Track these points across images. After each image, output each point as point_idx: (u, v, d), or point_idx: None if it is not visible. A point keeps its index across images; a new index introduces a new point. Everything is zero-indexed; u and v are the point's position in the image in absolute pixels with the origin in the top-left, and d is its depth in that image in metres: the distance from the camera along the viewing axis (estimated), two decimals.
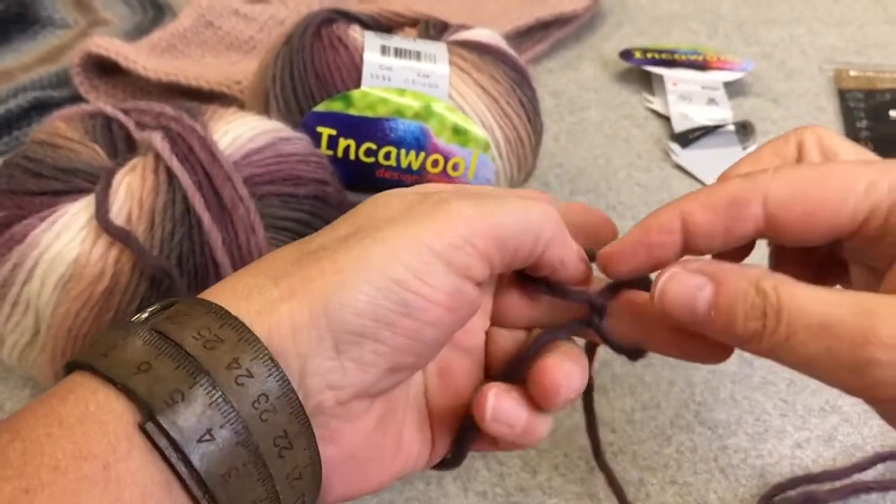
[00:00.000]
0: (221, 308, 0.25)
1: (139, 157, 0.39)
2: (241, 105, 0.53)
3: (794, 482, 0.40)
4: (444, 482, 0.40)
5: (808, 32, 0.72)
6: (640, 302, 0.31)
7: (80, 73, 0.60)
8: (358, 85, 0.46)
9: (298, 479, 0.25)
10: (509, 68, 0.49)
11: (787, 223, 0.28)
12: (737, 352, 0.30)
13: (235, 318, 0.25)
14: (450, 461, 0.32)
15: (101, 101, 0.59)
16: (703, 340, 0.30)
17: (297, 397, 0.25)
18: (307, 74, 0.47)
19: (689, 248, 0.30)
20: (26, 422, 0.23)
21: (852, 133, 0.61)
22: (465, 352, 0.32)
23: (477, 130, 0.47)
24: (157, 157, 0.38)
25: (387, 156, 0.47)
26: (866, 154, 0.31)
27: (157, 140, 0.38)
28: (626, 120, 0.63)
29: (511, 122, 0.48)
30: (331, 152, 0.47)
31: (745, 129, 0.61)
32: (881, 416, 0.28)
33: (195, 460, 0.23)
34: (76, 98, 0.60)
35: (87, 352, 0.25)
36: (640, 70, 0.66)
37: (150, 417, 0.23)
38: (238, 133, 0.40)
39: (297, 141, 0.42)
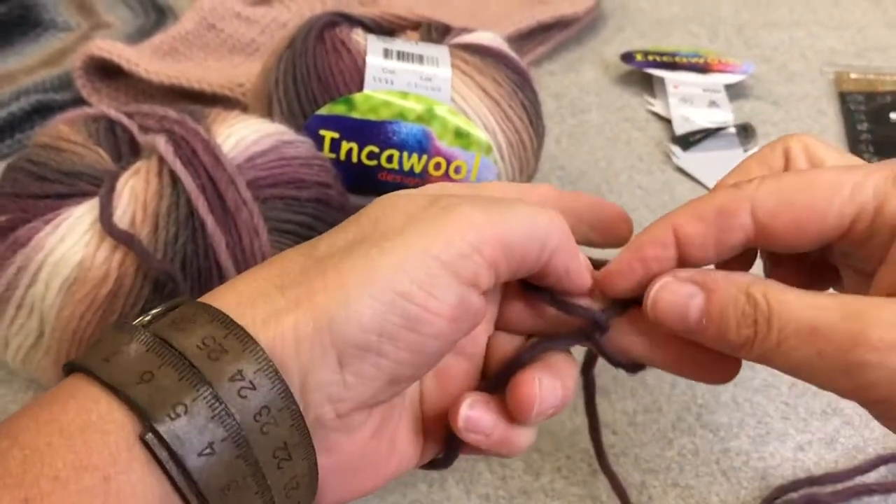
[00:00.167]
0: (226, 316, 0.25)
1: (143, 160, 0.39)
2: (243, 108, 0.53)
3: (796, 485, 0.40)
4: (446, 485, 0.40)
5: (809, 35, 0.72)
6: (645, 318, 0.31)
7: (83, 76, 0.60)
8: (360, 88, 0.46)
9: (295, 488, 0.25)
10: (511, 71, 0.50)
11: (776, 231, 0.29)
12: None
13: (240, 328, 0.24)
14: (440, 461, 0.32)
15: (103, 104, 0.59)
16: (707, 355, 0.30)
17: (299, 409, 0.25)
18: (310, 77, 0.47)
19: (685, 260, 0.30)
20: (26, 428, 0.23)
21: (853, 136, 0.61)
22: (465, 357, 0.32)
23: (479, 133, 0.47)
24: (161, 160, 0.38)
25: (389, 159, 0.47)
26: (853, 159, 0.31)
27: (161, 143, 0.38)
28: (628, 122, 0.63)
29: (513, 124, 0.48)
30: (333, 155, 0.47)
31: (746, 132, 0.61)
32: (876, 417, 0.28)
33: (195, 474, 0.23)
34: (78, 101, 0.60)
35: (88, 354, 0.25)
36: (641, 72, 0.67)
37: (151, 429, 0.23)
38: (241, 136, 0.40)
39: (300, 144, 0.42)
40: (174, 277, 0.36)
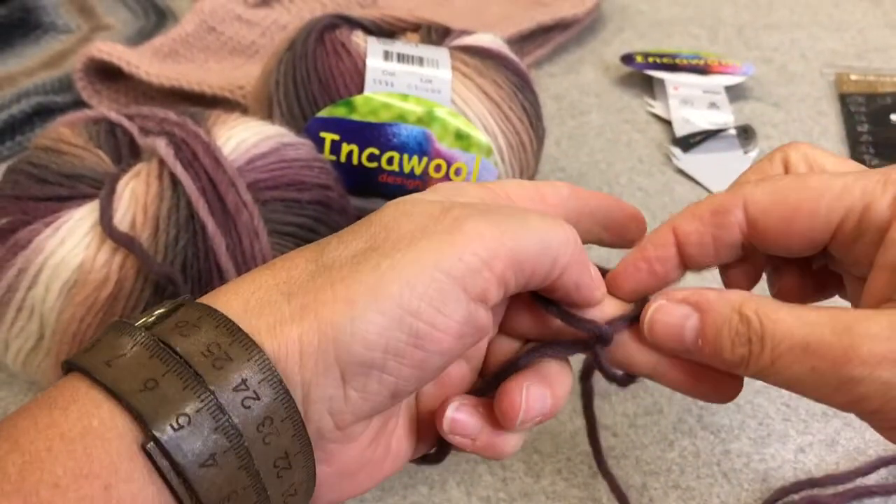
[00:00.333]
0: (232, 323, 0.24)
1: (143, 162, 0.39)
2: (244, 110, 0.53)
3: (797, 486, 0.40)
4: (447, 486, 0.40)
5: (809, 37, 0.72)
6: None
7: (83, 78, 0.60)
8: (361, 90, 0.46)
9: (293, 495, 0.25)
10: (511, 73, 0.50)
11: (767, 227, 0.29)
12: None
13: (246, 336, 0.24)
14: (432, 457, 0.32)
15: (103, 107, 0.59)
16: (712, 371, 0.30)
17: (301, 419, 0.25)
18: (310, 80, 0.47)
19: (685, 259, 0.31)
20: (26, 431, 0.22)
21: (853, 137, 0.61)
22: (465, 359, 0.31)
23: (479, 135, 0.47)
24: (161, 162, 0.38)
25: (389, 161, 0.47)
26: (855, 166, 0.31)
27: (161, 146, 0.38)
28: (628, 124, 0.63)
29: (513, 126, 0.48)
30: (334, 157, 0.47)
31: (746, 133, 0.61)
32: (874, 428, 0.28)
33: (196, 484, 0.23)
34: (79, 103, 0.60)
35: (88, 355, 0.24)
36: (642, 74, 0.67)
37: (153, 438, 0.22)
38: (241, 138, 0.40)
39: (301, 146, 0.42)
40: (174, 280, 0.36)
